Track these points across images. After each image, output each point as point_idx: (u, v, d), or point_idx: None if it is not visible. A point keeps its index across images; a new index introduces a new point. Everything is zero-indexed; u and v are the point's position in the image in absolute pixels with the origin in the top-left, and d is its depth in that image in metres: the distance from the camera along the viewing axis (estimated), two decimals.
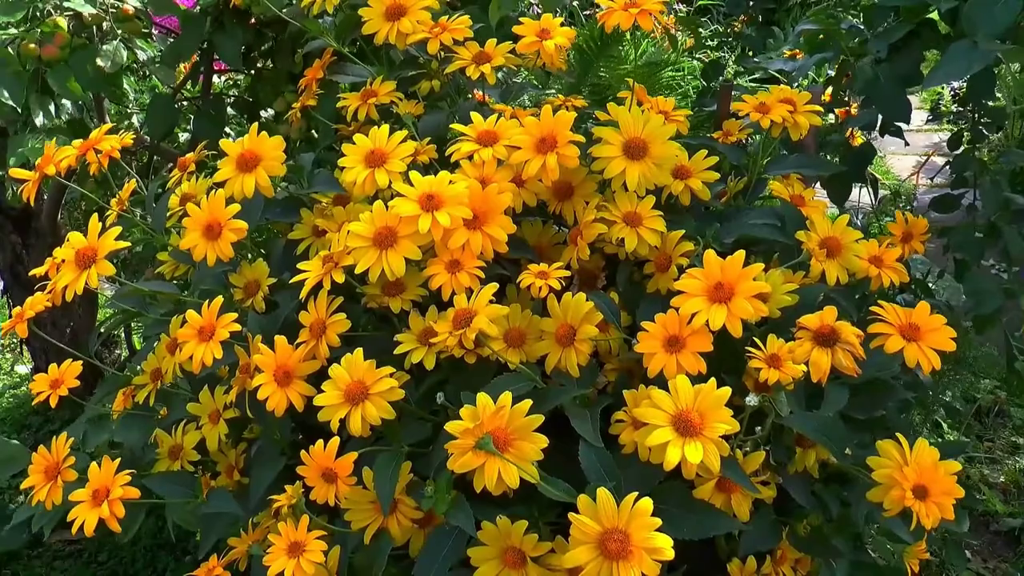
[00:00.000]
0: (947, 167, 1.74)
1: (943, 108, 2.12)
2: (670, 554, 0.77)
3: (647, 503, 0.79)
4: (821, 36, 1.66)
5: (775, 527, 1.05)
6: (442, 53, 1.31)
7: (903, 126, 1.68)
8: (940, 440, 2.30)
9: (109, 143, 1.26)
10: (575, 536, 0.79)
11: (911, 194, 2.66)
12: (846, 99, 1.78)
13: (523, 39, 1.28)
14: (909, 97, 1.54)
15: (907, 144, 1.91)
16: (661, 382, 0.90)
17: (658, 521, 0.78)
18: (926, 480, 0.92)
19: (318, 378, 1.03)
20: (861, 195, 2.07)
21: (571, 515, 0.80)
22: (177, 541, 1.92)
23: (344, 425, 0.97)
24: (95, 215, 1.13)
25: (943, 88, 3.13)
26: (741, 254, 0.96)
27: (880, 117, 1.65)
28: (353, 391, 0.98)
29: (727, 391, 0.87)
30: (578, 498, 0.81)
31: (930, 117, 2.08)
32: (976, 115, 1.73)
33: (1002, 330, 1.54)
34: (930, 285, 1.76)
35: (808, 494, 1.05)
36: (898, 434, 0.95)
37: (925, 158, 2.63)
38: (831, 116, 1.79)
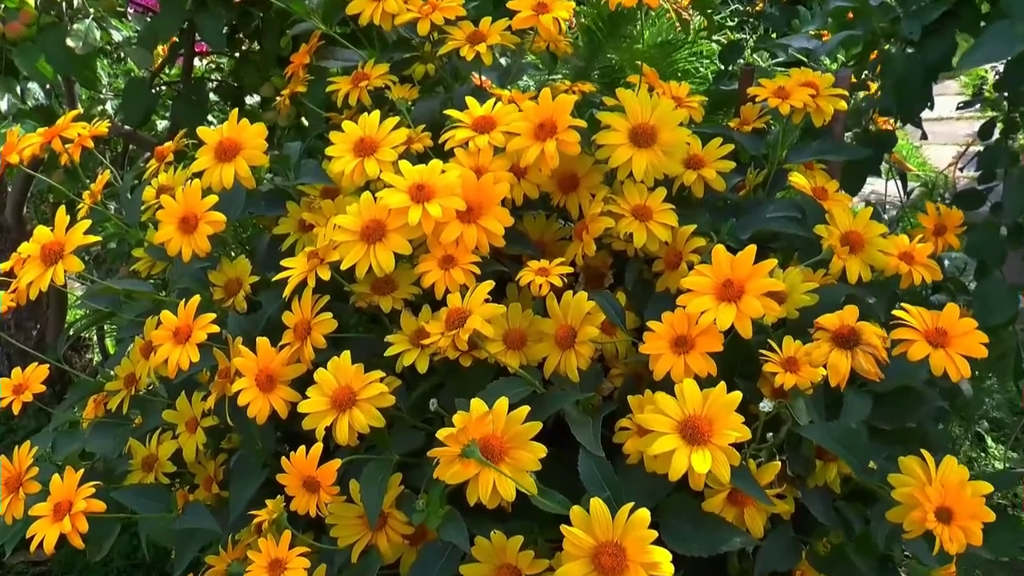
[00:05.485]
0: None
1: (987, 94, 2.12)
2: (669, 569, 0.78)
3: (644, 514, 0.80)
4: (850, 15, 1.67)
5: (794, 545, 1.05)
6: (435, 34, 1.33)
7: (938, 114, 1.67)
8: (984, 454, 2.31)
9: (76, 130, 1.28)
10: (568, 550, 0.80)
11: (949, 187, 2.66)
12: (867, 82, 1.78)
13: (519, 14, 1.28)
14: (949, 82, 1.55)
15: (924, 137, 1.91)
16: (668, 386, 0.90)
17: (655, 534, 0.79)
18: (951, 502, 0.91)
19: (303, 383, 1.04)
20: (889, 188, 2.07)
21: (563, 527, 0.81)
22: (153, 561, 1.93)
23: (331, 434, 0.99)
24: (63, 208, 1.15)
25: (987, 71, 3.11)
26: (752, 249, 0.97)
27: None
28: (340, 397, 0.99)
29: (738, 395, 0.88)
30: (571, 509, 0.82)
31: (961, 104, 2.06)
32: (1010, 102, 1.73)
33: (1013, 338, 1.54)
34: (968, 285, 1.76)
35: (829, 510, 1.05)
36: (923, 450, 0.94)
37: (964, 148, 2.62)
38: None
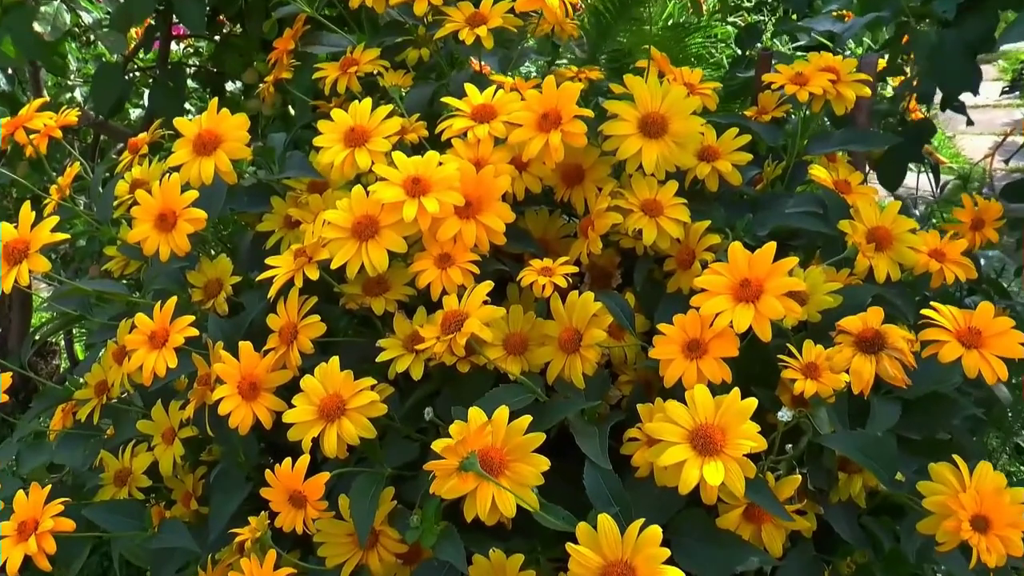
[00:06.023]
0: None
1: None
2: None
3: (655, 531, 0.80)
4: None
5: (815, 565, 1.06)
6: (431, 16, 1.33)
7: (973, 101, 1.67)
8: (1023, 467, 2.30)
9: (42, 120, 1.28)
10: (574, 570, 0.81)
11: (985, 179, 2.65)
12: (904, 67, 1.78)
13: None
14: (985, 67, 1.54)
15: (970, 123, 1.90)
16: (680, 394, 0.91)
17: (667, 552, 0.80)
18: (988, 509, 0.90)
19: (289, 391, 1.04)
20: (920, 181, 2.07)
21: (569, 546, 0.81)
22: None
23: (319, 445, 0.99)
24: (28, 203, 1.15)
25: None
26: (771, 246, 0.97)
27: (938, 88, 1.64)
28: (328, 406, 1.00)
29: (753, 403, 0.88)
30: (578, 526, 0.83)
31: (1006, 88, 2.05)
32: None
33: None
34: (1006, 285, 1.76)
35: (854, 527, 1.05)
36: (955, 456, 0.94)
37: (1003, 137, 2.61)
38: (889, 88, 1.80)
